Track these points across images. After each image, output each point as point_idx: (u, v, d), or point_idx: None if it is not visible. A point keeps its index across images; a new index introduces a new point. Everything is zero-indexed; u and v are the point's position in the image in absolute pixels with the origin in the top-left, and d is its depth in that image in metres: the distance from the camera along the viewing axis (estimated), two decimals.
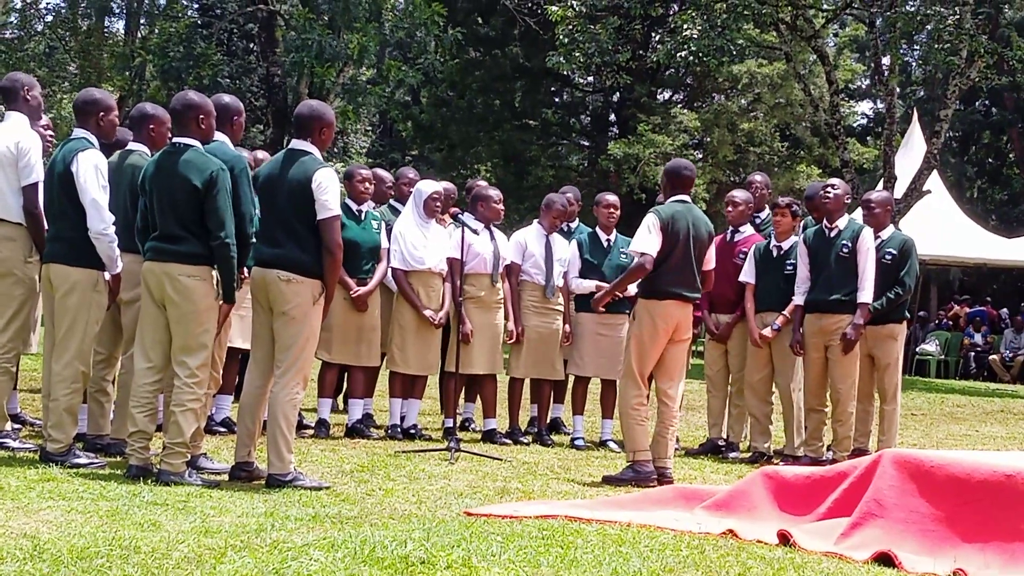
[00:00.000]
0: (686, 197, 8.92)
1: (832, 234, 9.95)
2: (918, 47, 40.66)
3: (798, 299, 10.13)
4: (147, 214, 7.49)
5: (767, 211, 11.28)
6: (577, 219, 11.59)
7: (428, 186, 10.64)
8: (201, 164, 7.31)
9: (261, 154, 10.48)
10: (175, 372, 7.33)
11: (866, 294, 9.80)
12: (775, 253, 10.50)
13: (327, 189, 7.44)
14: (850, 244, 9.84)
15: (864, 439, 10.19)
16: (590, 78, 36.05)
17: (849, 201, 10.21)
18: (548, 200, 11.08)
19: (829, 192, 10.06)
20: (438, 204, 10.58)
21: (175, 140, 7.51)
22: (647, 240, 8.62)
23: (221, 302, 7.44)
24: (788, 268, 10.37)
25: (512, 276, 10.72)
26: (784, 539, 6.23)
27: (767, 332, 10.38)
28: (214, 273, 7.36)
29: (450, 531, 5.92)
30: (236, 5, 29.50)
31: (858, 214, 10.55)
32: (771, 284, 10.46)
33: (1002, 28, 30.38)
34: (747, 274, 10.60)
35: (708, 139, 33.01)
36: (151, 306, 7.42)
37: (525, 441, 10.60)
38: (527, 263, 10.74)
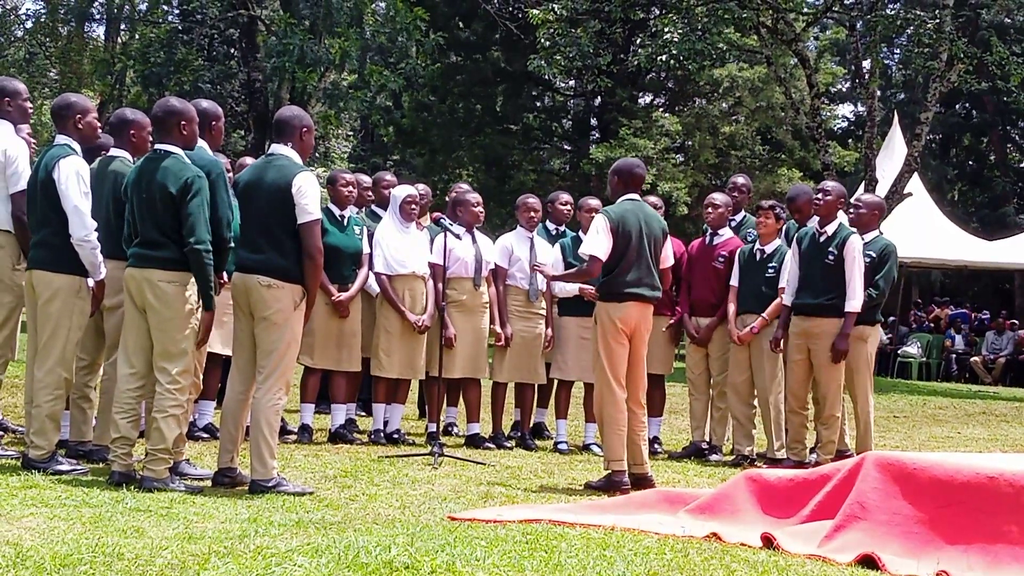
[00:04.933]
0: (636, 196, 8.90)
1: (822, 239, 9.95)
2: (898, 50, 40.81)
3: (786, 299, 10.14)
4: (131, 221, 7.48)
5: (743, 213, 11.31)
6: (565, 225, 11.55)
7: (403, 190, 10.64)
8: (178, 171, 7.29)
9: (248, 160, 10.45)
10: (156, 378, 7.31)
11: (854, 302, 9.78)
12: (758, 256, 10.52)
13: (307, 193, 7.44)
14: (836, 251, 9.84)
15: (843, 441, 10.21)
16: (571, 82, 36.06)
17: (843, 205, 10.20)
18: (519, 200, 11.14)
19: (821, 197, 10.06)
20: (414, 207, 10.57)
21: (157, 147, 7.49)
22: (595, 242, 8.56)
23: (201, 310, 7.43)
24: (770, 271, 10.39)
25: (498, 280, 10.72)
26: (768, 542, 6.25)
27: (745, 332, 10.41)
28: (194, 279, 7.34)
29: (434, 536, 5.92)
30: (217, 10, 29.43)
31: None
32: (752, 287, 10.48)
33: (981, 31, 30.42)
34: (734, 278, 10.62)
35: (689, 143, 33.01)
36: (133, 312, 7.40)
37: (508, 445, 10.60)
38: (512, 267, 10.73)
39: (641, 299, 8.64)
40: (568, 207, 11.34)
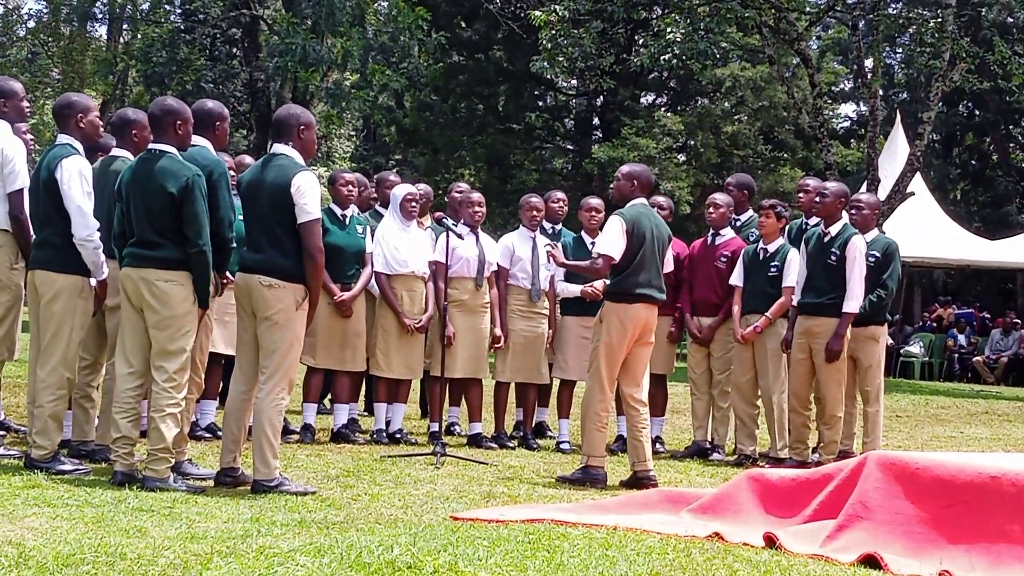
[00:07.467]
0: (645, 200, 9.00)
1: (826, 239, 9.94)
2: (901, 50, 40.75)
3: (796, 300, 10.13)
4: (124, 220, 7.48)
5: (748, 213, 11.30)
6: (561, 223, 11.53)
7: (402, 189, 10.65)
8: (176, 171, 7.29)
9: (247, 159, 10.46)
10: (154, 377, 7.31)
11: (852, 303, 9.78)
12: (761, 256, 10.50)
13: (307, 192, 7.43)
14: (838, 251, 9.83)
15: (849, 441, 10.21)
16: (574, 82, 36.08)
17: (844, 203, 10.14)
18: (521, 199, 11.18)
19: (817, 200, 10.06)
20: (414, 205, 10.58)
21: (151, 146, 7.49)
22: (610, 242, 8.69)
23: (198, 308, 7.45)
24: (772, 270, 10.38)
25: (500, 280, 10.71)
26: (770, 542, 6.24)
27: (748, 331, 10.40)
28: (191, 278, 7.34)
29: (436, 536, 5.93)
30: (219, 10, 29.42)
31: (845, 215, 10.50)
32: (756, 286, 10.47)
33: (984, 31, 30.44)
34: (736, 278, 10.61)
35: (692, 142, 33.07)
36: (130, 311, 7.40)
37: (511, 445, 10.59)
38: (515, 267, 10.72)
39: (650, 300, 8.78)
40: (561, 204, 11.31)
